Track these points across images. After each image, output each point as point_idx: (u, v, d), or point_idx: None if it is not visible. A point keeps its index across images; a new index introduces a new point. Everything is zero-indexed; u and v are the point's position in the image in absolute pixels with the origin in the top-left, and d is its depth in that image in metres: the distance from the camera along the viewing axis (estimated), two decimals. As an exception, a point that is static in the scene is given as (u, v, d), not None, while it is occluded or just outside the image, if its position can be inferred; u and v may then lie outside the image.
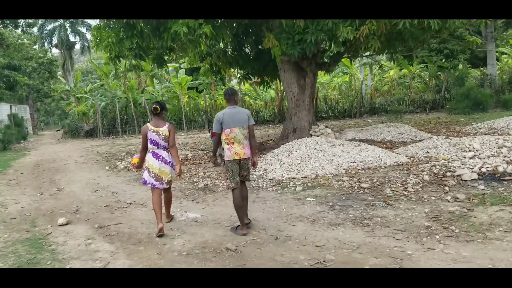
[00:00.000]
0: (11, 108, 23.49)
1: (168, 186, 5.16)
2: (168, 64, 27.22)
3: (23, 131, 25.13)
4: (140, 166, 5.27)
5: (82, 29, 41.85)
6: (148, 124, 5.07)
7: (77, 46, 43.37)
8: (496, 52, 32.37)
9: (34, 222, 5.96)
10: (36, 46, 39.51)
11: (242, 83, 13.69)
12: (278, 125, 22.23)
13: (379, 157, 8.19)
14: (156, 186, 5.04)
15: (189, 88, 28.02)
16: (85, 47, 40.65)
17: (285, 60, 10.34)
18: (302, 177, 7.47)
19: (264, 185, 7.09)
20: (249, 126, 4.89)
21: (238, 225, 4.95)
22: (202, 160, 10.74)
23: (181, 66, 26.03)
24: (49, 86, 35.64)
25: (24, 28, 20.73)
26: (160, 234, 4.87)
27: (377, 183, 6.53)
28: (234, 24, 11.14)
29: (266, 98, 32.97)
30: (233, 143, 4.79)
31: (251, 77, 13.22)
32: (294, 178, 7.48)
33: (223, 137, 4.82)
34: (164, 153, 5.01)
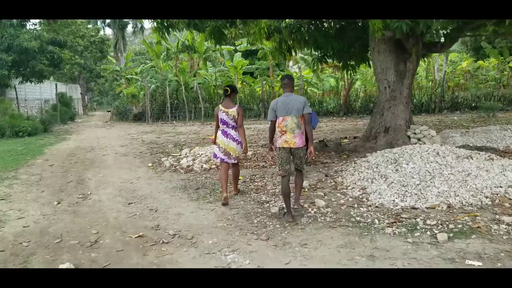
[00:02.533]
0: (56, 87, 22.27)
1: (236, 161, 5.63)
2: (224, 46, 25.12)
3: (71, 111, 24.11)
4: (215, 141, 5.74)
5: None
6: (219, 105, 5.61)
7: (130, 28, 42.47)
8: None
9: (26, 261, 3.89)
10: (90, 26, 38.98)
11: (313, 67, 11.06)
12: (343, 117, 19.51)
13: (537, 180, 5.48)
14: (225, 160, 5.59)
15: (244, 73, 25.80)
16: (137, 28, 39.38)
17: (383, 37, 7.67)
18: (427, 208, 4.95)
19: (376, 220, 4.61)
20: (303, 115, 4.77)
21: (285, 212, 4.83)
22: (266, 162, 8.42)
23: (237, 48, 23.77)
24: (100, 66, 34.82)
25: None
26: (224, 202, 5.40)
27: None
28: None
29: (325, 87, 30.18)
30: (285, 132, 4.73)
31: (328, 59, 10.62)
32: (414, 208, 4.97)
33: (276, 125, 4.82)
34: (232, 132, 5.55)
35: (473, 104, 20.78)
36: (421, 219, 4.52)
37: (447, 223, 4.39)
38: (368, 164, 6.55)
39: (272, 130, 4.89)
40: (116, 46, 38.13)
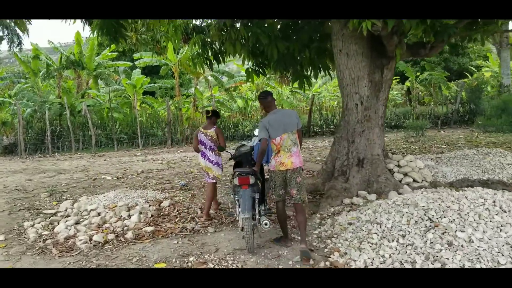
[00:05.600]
0: None
1: (214, 181, 5.55)
2: (119, 62, 21.40)
3: None
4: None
5: (11, 21, 34.43)
6: (200, 127, 5.78)
7: (5, 45, 35.82)
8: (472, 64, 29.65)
9: None
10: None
11: (247, 79, 8.27)
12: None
13: None
14: (206, 179, 5.63)
15: (144, 93, 22.29)
16: (14, 43, 33.08)
17: (374, 29, 5.08)
18: None
19: None
20: (297, 130, 4.21)
21: (282, 236, 4.35)
22: (196, 219, 5.43)
23: (136, 64, 20.30)
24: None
25: None
26: (207, 219, 5.42)
27: None
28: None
29: (233, 107, 27.93)
30: (279, 151, 4.10)
31: (265, 70, 8.01)
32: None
33: (272, 146, 4.13)
34: (209, 153, 5.53)
35: (392, 123, 20.00)
36: None
37: None
38: (382, 229, 3.98)
39: (263, 152, 4.16)
40: (-16, 64, 31.59)
